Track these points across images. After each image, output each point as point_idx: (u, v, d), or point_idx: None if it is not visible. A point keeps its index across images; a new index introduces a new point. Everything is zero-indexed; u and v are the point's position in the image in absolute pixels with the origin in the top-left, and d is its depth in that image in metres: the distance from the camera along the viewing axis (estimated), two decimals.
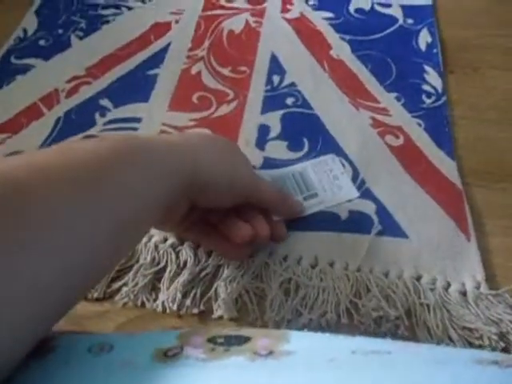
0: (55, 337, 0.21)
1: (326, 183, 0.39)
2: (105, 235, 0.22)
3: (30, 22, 0.56)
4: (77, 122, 0.46)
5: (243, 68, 0.50)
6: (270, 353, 0.18)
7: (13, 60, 0.52)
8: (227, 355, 0.19)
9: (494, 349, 0.30)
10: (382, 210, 0.38)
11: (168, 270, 0.35)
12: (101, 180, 0.22)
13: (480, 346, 0.31)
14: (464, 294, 0.33)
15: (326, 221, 0.38)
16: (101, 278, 0.26)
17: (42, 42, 0.54)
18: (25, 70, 0.51)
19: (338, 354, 0.18)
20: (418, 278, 0.34)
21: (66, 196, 0.20)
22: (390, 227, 0.37)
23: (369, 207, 0.38)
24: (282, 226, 0.35)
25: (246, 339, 0.20)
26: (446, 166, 0.41)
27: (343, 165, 0.41)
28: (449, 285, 0.34)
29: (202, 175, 0.29)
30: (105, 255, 0.23)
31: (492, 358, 0.16)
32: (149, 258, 0.36)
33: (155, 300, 0.34)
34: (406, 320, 0.32)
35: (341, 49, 0.52)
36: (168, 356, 0.20)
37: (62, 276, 0.20)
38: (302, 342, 0.20)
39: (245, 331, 0.21)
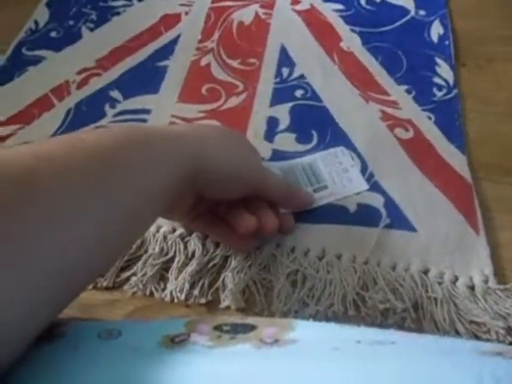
0: (64, 322, 0.22)
1: (336, 175, 0.39)
2: (110, 224, 0.22)
3: (42, 14, 0.57)
4: (87, 113, 0.47)
5: (252, 60, 0.50)
6: (276, 341, 0.19)
7: (24, 51, 0.53)
8: (233, 343, 0.19)
9: (500, 343, 0.30)
10: (390, 204, 0.38)
11: (176, 261, 0.36)
12: (106, 169, 0.22)
13: (487, 340, 0.31)
14: (472, 288, 0.33)
15: (335, 213, 0.38)
16: (108, 265, 0.26)
17: (53, 34, 0.55)
18: (36, 61, 0.52)
19: (342, 343, 0.18)
20: (426, 272, 0.34)
21: (71, 186, 0.20)
22: (399, 220, 0.37)
23: (377, 200, 0.38)
24: (289, 218, 0.35)
25: (252, 327, 0.20)
26: (456, 160, 0.40)
27: (352, 157, 0.41)
28: (456, 279, 0.34)
29: (209, 166, 0.29)
30: (111, 243, 0.23)
31: (496, 350, 0.16)
32: (157, 249, 0.36)
33: (163, 290, 0.35)
34: (412, 313, 0.32)
35: (351, 41, 0.51)
36: (175, 342, 0.20)
37: (66, 262, 0.20)
38: (307, 330, 0.20)
39: (251, 319, 0.21)
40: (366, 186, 0.39)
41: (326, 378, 0.16)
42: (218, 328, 0.21)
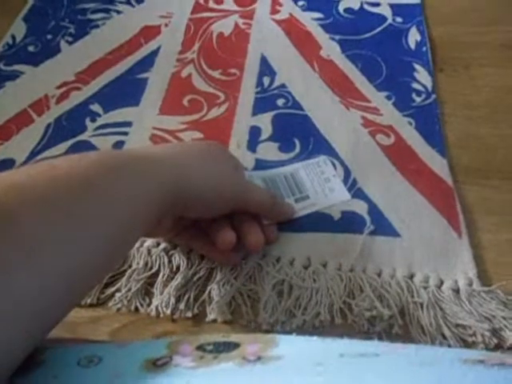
0: (43, 350, 0.21)
1: (318, 185, 0.39)
2: (91, 252, 0.22)
3: (19, 29, 0.56)
4: (67, 127, 0.46)
5: (233, 70, 0.50)
6: (259, 358, 0.18)
7: (2, 67, 0.52)
8: (216, 362, 0.19)
9: (487, 345, 0.31)
10: (374, 210, 0.38)
11: (161, 275, 0.35)
12: (78, 199, 0.22)
13: (473, 343, 0.31)
14: (457, 291, 0.34)
15: (319, 221, 0.38)
16: (90, 290, 0.26)
17: (31, 48, 0.54)
18: (14, 76, 0.51)
19: (326, 358, 0.18)
20: (411, 277, 0.35)
21: (52, 219, 0.20)
22: (383, 226, 0.37)
23: (361, 207, 0.39)
24: (273, 229, 0.35)
25: (235, 345, 0.20)
26: (438, 164, 0.41)
27: (335, 167, 0.41)
28: (442, 282, 0.34)
29: (187, 189, 0.28)
30: (92, 270, 0.23)
31: (477, 358, 0.16)
32: (141, 263, 0.35)
33: (149, 305, 0.34)
34: (399, 319, 0.32)
35: (331, 49, 0.52)
36: (157, 366, 0.20)
37: (48, 293, 0.20)
38: (290, 346, 0.20)
39: (234, 337, 0.21)
40: (348, 196, 0.39)
41: None
42: (200, 348, 0.20)
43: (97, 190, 0.23)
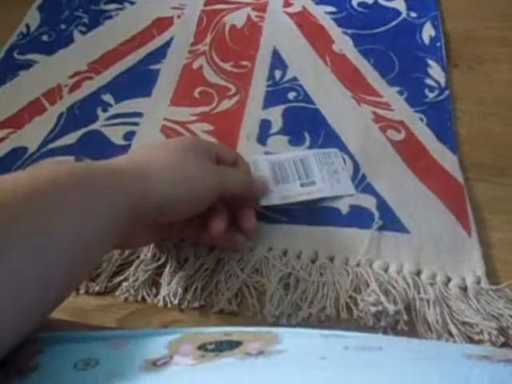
0: (36, 354, 0.21)
1: (326, 174, 0.39)
2: (56, 260, 0.21)
3: (33, 18, 0.57)
4: (79, 117, 0.47)
5: (245, 63, 0.50)
6: (261, 352, 0.18)
7: (16, 56, 0.53)
8: (217, 358, 0.19)
9: (493, 344, 0.30)
10: (382, 205, 0.38)
11: (169, 266, 0.35)
12: (38, 209, 0.21)
13: (480, 341, 0.31)
14: (464, 289, 0.33)
15: (327, 215, 0.38)
16: (62, 298, 0.25)
17: (44, 38, 0.54)
18: (28, 65, 0.52)
19: (329, 352, 0.18)
20: (418, 273, 0.34)
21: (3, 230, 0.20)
22: (391, 222, 0.37)
23: (370, 202, 0.38)
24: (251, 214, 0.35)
25: (238, 343, 0.20)
26: (448, 161, 0.40)
27: (344, 161, 0.41)
28: (449, 280, 0.34)
29: (153, 199, 0.28)
30: (57, 280, 0.22)
31: (482, 353, 0.16)
32: (149, 254, 0.36)
33: (156, 295, 0.34)
34: (405, 315, 0.32)
35: (343, 43, 0.51)
36: (157, 365, 0.19)
37: (15, 302, 0.19)
38: (293, 341, 0.19)
39: (236, 336, 0.21)
40: (353, 191, 0.39)
41: None
42: (201, 347, 0.20)
43: (57, 200, 0.22)
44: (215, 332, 0.22)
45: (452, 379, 0.14)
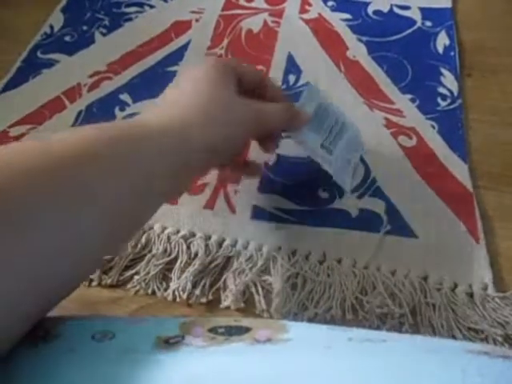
0: (58, 324, 0.22)
1: (344, 156, 0.39)
2: (93, 226, 0.22)
3: (57, 19, 0.58)
4: (97, 115, 0.48)
5: (260, 67, 0.51)
6: (269, 339, 0.19)
7: (39, 55, 0.54)
8: (227, 342, 0.19)
9: None
10: (391, 210, 0.38)
11: (179, 261, 0.36)
12: (84, 169, 0.22)
13: None
14: (471, 295, 0.34)
15: (336, 218, 0.38)
16: (96, 266, 0.25)
17: (67, 38, 0.56)
18: (50, 64, 0.53)
19: (335, 342, 0.18)
20: (425, 278, 0.35)
21: (42, 191, 0.20)
22: (400, 227, 0.38)
23: (379, 206, 0.39)
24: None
25: (247, 329, 0.21)
26: (458, 169, 0.41)
27: (359, 163, 0.41)
28: (456, 286, 0.34)
29: (198, 150, 0.28)
30: (96, 243, 0.22)
31: (483, 349, 0.17)
32: (161, 249, 0.37)
33: (166, 289, 0.35)
34: (410, 318, 0.32)
35: (357, 50, 0.52)
36: (169, 343, 0.20)
37: (44, 267, 0.20)
38: (300, 331, 0.20)
39: (245, 322, 0.21)
40: (348, 189, 0.39)
41: (320, 371, 0.17)
42: (212, 330, 0.21)
43: (103, 160, 0.23)
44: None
45: (450, 368, 0.15)
